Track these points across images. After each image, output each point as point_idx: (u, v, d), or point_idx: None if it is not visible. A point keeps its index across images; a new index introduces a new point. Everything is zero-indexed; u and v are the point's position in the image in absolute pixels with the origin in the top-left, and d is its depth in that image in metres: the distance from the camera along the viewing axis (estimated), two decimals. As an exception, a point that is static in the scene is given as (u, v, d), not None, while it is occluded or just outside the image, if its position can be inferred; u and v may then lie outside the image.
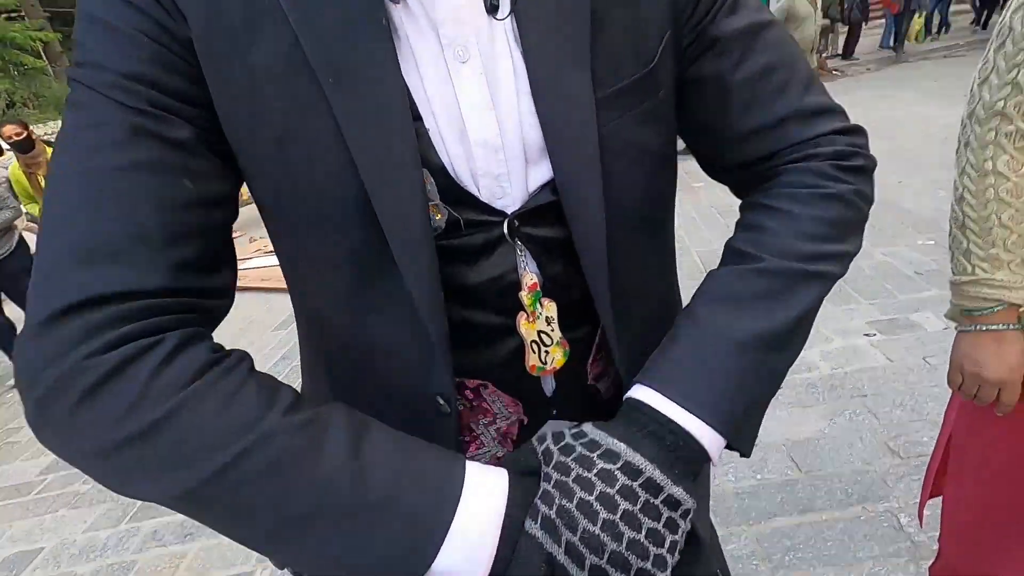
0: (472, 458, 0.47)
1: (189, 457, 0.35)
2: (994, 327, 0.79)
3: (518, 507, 0.39)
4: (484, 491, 0.39)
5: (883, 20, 9.83)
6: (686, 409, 0.43)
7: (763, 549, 1.57)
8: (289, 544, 0.38)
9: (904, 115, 5.53)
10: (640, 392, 0.46)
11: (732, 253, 0.52)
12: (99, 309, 0.36)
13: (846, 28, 10.02)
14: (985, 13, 9.78)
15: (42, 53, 22.21)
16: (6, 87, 18.63)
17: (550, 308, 0.51)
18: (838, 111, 0.53)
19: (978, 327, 0.81)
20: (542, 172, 0.47)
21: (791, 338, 0.48)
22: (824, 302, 0.50)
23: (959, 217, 0.80)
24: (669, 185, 0.56)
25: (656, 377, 0.46)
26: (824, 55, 9.18)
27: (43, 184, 3.70)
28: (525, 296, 0.49)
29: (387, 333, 0.49)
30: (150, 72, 0.40)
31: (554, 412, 0.56)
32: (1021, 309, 0.78)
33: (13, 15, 22.01)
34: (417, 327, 0.46)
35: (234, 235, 0.49)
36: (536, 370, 0.52)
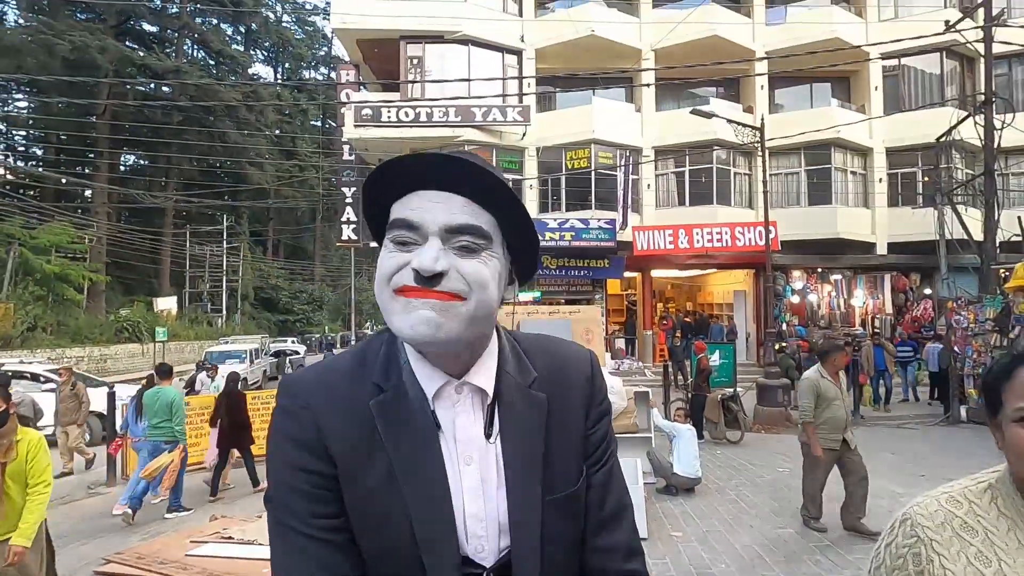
0: None
1: None
2: None
3: None
4: None
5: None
6: None
7: None
8: None
9: (871, 489, 5.85)
10: None
11: None
12: None
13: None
14: (936, 389, 11.11)
15: (85, 289, 24.48)
16: (36, 312, 19.95)
17: None
18: (640, 552, 0.84)
19: None
20: (507, 541, 0.73)
21: None
22: None
23: None
24: (576, 565, 0.81)
25: None
26: (788, 408, 10.09)
27: None
28: None
29: None
30: (319, 510, 0.70)
31: None
32: None
33: (78, 257, 24.92)
34: None
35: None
36: None
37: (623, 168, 15.27)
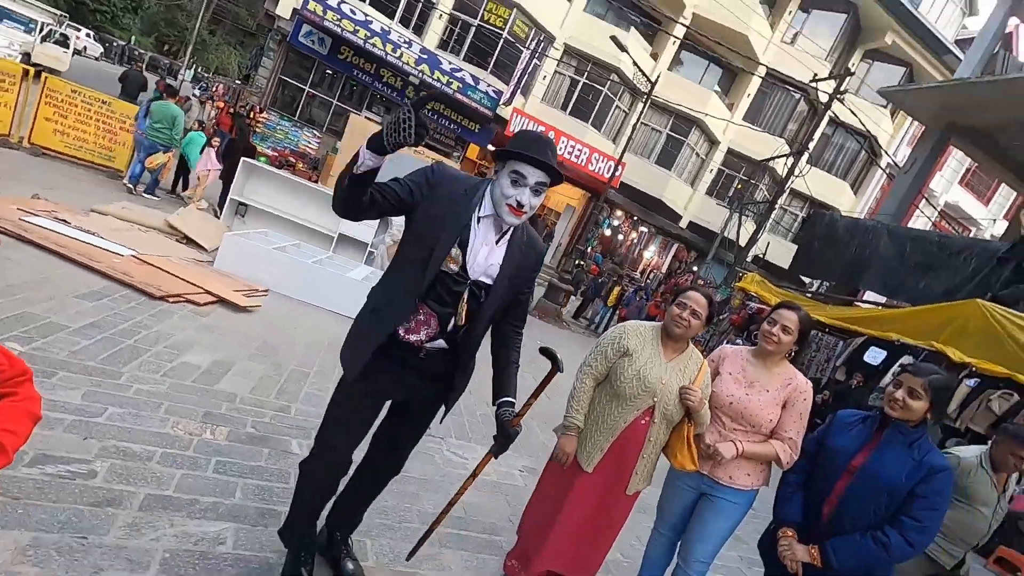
0: (410, 330, 1.78)
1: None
2: (569, 434, 2.23)
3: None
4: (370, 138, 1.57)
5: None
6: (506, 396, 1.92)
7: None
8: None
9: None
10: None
11: (500, 363, 1.94)
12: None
13: (580, 298, 13.99)
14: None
15: None
16: None
17: (464, 306, 1.78)
18: (524, 321, 1.99)
19: (564, 433, 2.23)
20: (489, 280, 1.79)
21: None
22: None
23: (572, 394, 2.27)
24: (517, 305, 1.94)
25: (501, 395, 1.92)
26: (561, 308, 12.55)
27: None
28: (463, 298, 1.77)
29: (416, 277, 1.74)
30: (414, 189, 1.72)
31: (449, 327, 1.78)
32: (580, 427, 2.23)
33: None
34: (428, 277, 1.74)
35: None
36: (457, 319, 1.78)
37: (531, 50, 15.45)
